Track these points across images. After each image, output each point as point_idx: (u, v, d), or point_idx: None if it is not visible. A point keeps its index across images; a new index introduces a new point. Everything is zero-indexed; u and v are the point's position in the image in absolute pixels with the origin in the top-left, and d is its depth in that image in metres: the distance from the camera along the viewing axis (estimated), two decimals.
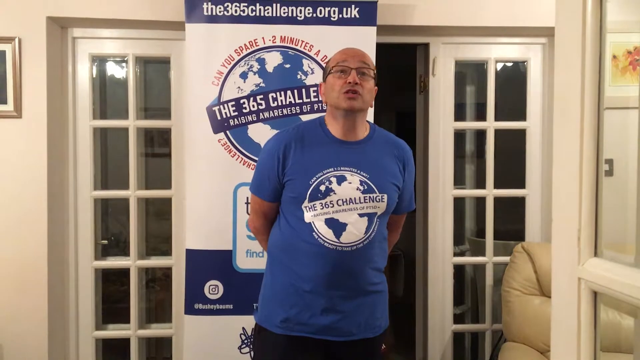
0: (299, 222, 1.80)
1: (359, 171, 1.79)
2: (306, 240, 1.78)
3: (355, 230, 1.76)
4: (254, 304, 2.51)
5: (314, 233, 1.77)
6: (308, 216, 1.78)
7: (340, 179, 1.77)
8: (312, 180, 1.78)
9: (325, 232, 1.76)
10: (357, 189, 1.76)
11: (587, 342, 0.84)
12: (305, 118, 2.50)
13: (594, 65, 0.89)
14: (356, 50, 1.86)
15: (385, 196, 1.79)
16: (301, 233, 1.79)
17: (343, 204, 1.76)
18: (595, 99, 0.89)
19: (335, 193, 1.76)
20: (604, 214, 0.88)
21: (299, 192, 1.79)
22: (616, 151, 1.17)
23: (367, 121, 1.92)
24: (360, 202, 1.76)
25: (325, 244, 1.75)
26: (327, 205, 1.76)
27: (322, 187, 1.76)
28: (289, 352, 1.82)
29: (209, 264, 2.51)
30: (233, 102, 2.51)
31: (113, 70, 3.10)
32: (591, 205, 0.86)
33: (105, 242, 2.94)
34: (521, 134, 2.98)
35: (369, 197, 1.77)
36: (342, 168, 1.79)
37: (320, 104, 2.50)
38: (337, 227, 1.76)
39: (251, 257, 2.53)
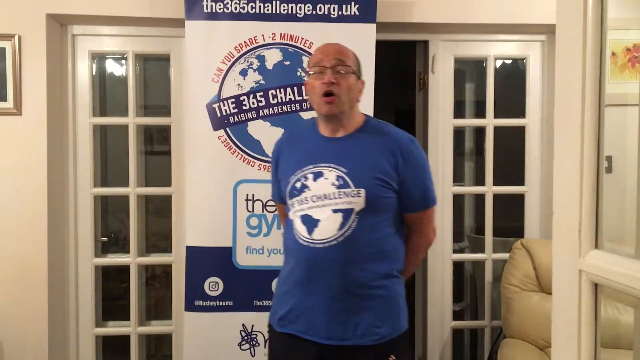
0: (288, 221, 1.83)
1: (337, 166, 1.72)
2: (290, 238, 1.80)
3: (328, 226, 1.69)
4: (254, 301, 2.52)
5: (293, 230, 1.77)
6: (290, 214, 1.80)
7: (317, 175, 1.73)
8: (291, 178, 1.78)
9: (300, 229, 1.74)
10: (332, 185, 1.71)
11: (587, 333, 0.85)
12: (305, 115, 2.51)
13: (594, 62, 0.89)
14: (333, 46, 1.78)
15: (363, 191, 1.68)
16: (288, 231, 1.82)
17: (317, 200, 1.71)
18: (596, 96, 0.89)
19: (309, 189, 1.73)
20: (604, 210, 0.88)
21: (284, 191, 1.82)
22: (615, 148, 1.17)
23: (363, 113, 1.87)
24: (335, 198, 1.69)
25: (300, 240, 1.73)
26: (302, 202, 1.74)
27: (298, 184, 1.76)
28: (285, 348, 1.82)
29: (209, 260, 2.52)
30: (233, 99, 2.51)
31: (113, 67, 3.10)
32: (592, 198, 0.86)
33: (105, 239, 2.94)
34: (520, 131, 2.98)
35: (344, 192, 1.69)
36: (321, 164, 1.75)
37: None
38: (310, 223, 1.72)
39: (251, 254, 2.53)
